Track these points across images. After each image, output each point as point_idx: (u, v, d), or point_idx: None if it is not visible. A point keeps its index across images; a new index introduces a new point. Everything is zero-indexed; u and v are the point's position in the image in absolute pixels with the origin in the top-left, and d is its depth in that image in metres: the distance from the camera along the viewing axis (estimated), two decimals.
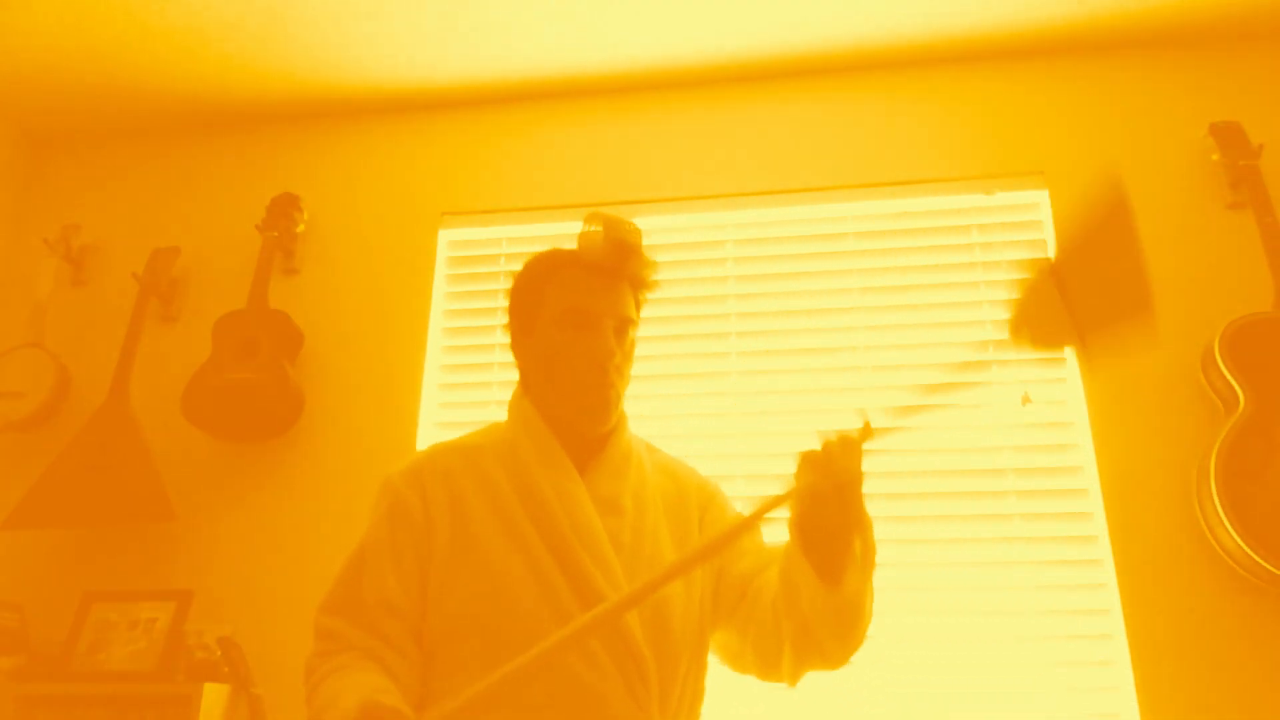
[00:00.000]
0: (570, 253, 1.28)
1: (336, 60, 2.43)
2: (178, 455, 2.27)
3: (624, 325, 1.25)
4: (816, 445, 1.05)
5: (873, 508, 1.13)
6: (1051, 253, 2.21)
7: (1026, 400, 2.09)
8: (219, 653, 1.95)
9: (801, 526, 1.07)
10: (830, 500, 1.04)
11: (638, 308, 1.29)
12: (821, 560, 1.07)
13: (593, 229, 1.24)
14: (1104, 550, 1.95)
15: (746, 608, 1.21)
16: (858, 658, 1.17)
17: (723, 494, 1.36)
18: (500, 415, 2.38)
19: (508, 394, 2.24)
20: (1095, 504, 1.99)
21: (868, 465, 1.06)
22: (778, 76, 2.46)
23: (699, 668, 1.23)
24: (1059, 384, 2.11)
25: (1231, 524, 1.79)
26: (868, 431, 1.07)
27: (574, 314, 1.23)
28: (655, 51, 2.40)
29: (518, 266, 1.34)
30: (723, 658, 1.27)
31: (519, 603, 1.12)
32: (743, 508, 1.31)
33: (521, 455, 1.23)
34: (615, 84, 2.49)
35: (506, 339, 1.34)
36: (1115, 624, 1.90)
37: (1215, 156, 2.14)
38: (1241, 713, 1.78)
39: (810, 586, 1.07)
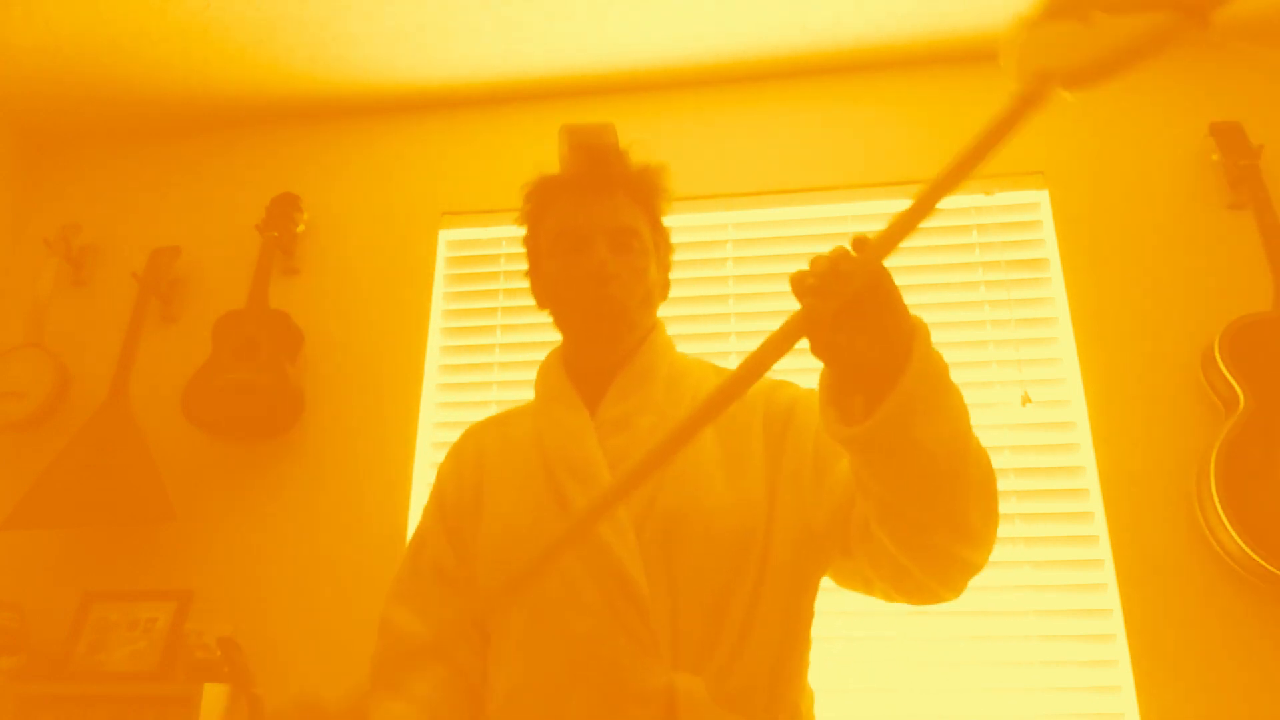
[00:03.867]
0: (553, 177, 1.21)
1: (337, 60, 2.43)
2: (178, 455, 2.27)
3: (622, 235, 1.14)
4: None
5: None
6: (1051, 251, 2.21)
7: (1026, 400, 2.09)
8: (219, 653, 1.95)
9: (826, 364, 0.88)
10: (843, 321, 0.85)
11: (648, 216, 1.19)
12: (864, 399, 0.86)
13: (560, 142, 1.18)
14: (1104, 550, 1.95)
15: (858, 517, 0.98)
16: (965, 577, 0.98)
17: (804, 398, 1.12)
18: None
19: (508, 394, 2.28)
20: (1095, 504, 1.99)
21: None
22: (778, 76, 2.46)
23: (777, 607, 1.01)
24: (1059, 384, 2.11)
25: (1231, 524, 1.79)
26: (863, 244, 0.86)
27: (563, 238, 1.15)
28: (655, 51, 2.40)
29: (518, 266, 1.30)
30: (857, 587, 1.08)
31: (519, 546, 1.05)
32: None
33: (538, 401, 1.19)
34: (615, 84, 2.49)
35: (527, 296, 1.26)
36: (1115, 624, 1.90)
37: (1215, 156, 2.14)
38: (1241, 713, 1.78)
39: (835, 429, 0.86)
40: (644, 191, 1.19)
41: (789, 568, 1.03)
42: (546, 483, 1.08)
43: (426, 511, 1.22)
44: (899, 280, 0.89)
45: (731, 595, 1.00)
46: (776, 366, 0.89)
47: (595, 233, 1.13)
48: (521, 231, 1.25)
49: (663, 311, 1.24)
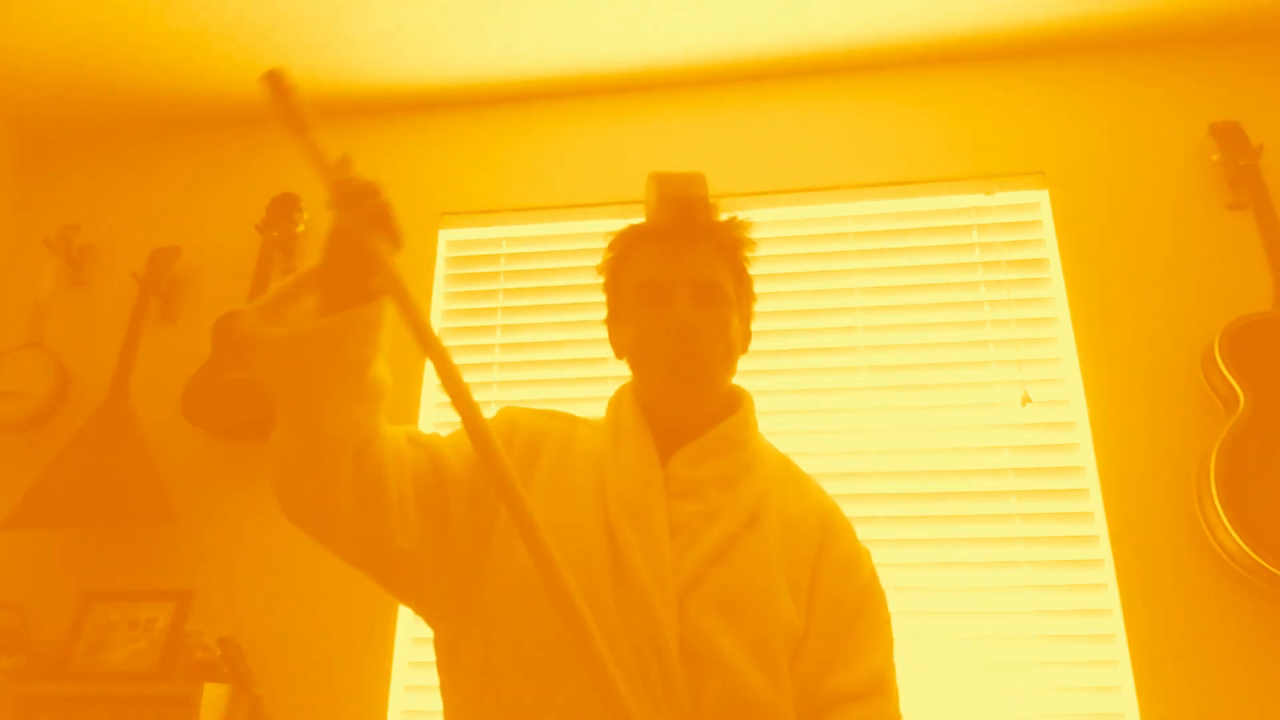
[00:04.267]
0: (638, 226, 1.18)
1: (337, 60, 2.43)
2: (178, 455, 2.27)
3: (706, 290, 1.11)
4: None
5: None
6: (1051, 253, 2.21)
7: (1026, 400, 2.09)
8: (219, 653, 1.95)
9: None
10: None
11: (732, 268, 1.16)
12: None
13: (649, 190, 1.14)
14: (1104, 550, 1.95)
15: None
16: None
17: (839, 519, 1.13)
18: None
19: (508, 394, 2.28)
20: (1095, 504, 1.99)
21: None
22: (778, 76, 2.46)
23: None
24: (1059, 384, 2.11)
25: (1231, 524, 1.79)
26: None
27: (646, 289, 1.12)
28: (656, 51, 2.40)
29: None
30: None
31: (551, 562, 0.98)
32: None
33: (609, 432, 1.13)
34: (615, 84, 2.49)
35: (606, 334, 1.22)
36: (1115, 624, 1.90)
37: (1215, 156, 2.14)
38: (1241, 713, 1.78)
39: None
40: (729, 243, 1.17)
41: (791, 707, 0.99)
42: (599, 511, 1.04)
43: (460, 434, 1.13)
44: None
45: (755, 698, 0.96)
46: None
47: (679, 285, 1.11)
48: (601, 279, 1.22)
49: None
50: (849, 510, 1.16)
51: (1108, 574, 1.93)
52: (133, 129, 2.70)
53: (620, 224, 1.21)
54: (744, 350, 1.20)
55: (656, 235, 1.15)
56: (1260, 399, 1.87)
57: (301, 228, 2.45)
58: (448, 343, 2.36)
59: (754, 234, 1.20)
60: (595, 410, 1.20)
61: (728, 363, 1.14)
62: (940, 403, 2.13)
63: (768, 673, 0.96)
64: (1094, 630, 1.92)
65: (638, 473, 1.07)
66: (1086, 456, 2.03)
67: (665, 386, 1.11)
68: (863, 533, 1.14)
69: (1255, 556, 1.77)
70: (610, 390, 1.20)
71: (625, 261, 1.17)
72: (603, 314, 1.22)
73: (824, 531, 1.09)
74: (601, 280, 1.22)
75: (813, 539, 1.07)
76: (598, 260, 1.22)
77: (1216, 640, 1.83)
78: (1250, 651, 1.81)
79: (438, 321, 2.39)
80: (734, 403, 1.16)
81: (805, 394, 2.17)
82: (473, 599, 1.03)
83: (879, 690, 1.01)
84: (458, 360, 2.44)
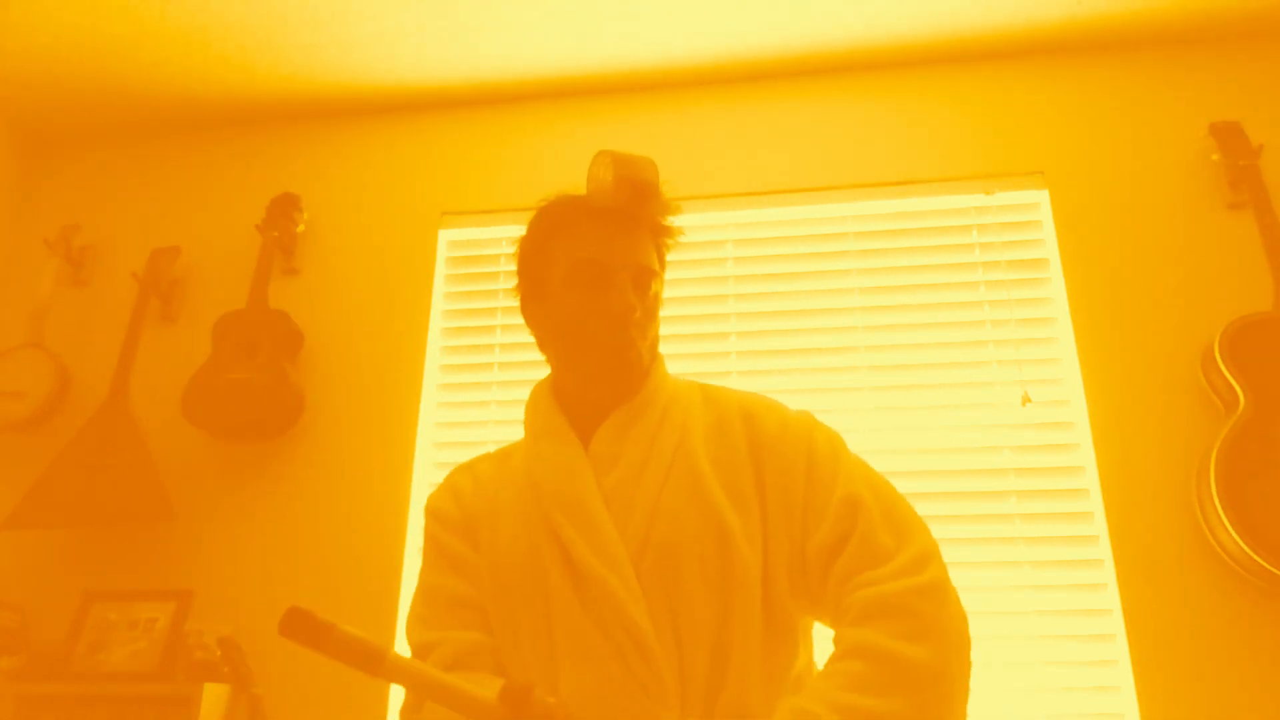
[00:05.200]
0: (577, 199, 1.15)
1: (337, 60, 2.43)
2: (178, 455, 2.27)
3: (644, 276, 1.11)
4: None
5: None
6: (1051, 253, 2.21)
7: (1026, 400, 2.09)
8: (219, 653, 1.95)
9: None
10: None
11: (660, 257, 1.16)
12: None
13: (601, 169, 1.10)
14: (1104, 550, 1.95)
15: (831, 596, 0.99)
16: None
17: (760, 403, 1.14)
18: (500, 414, 2.38)
19: (508, 394, 2.28)
20: (1095, 504, 1.99)
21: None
22: (778, 76, 2.46)
23: (782, 640, 1.02)
24: (1059, 384, 2.11)
25: (1231, 524, 1.79)
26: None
27: (586, 268, 1.10)
28: (655, 51, 2.40)
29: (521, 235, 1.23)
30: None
31: (517, 588, 1.04)
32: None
33: (530, 437, 1.15)
34: (615, 84, 2.49)
35: (516, 305, 1.20)
36: (1115, 624, 1.90)
37: (1215, 156, 2.14)
38: (1241, 713, 1.78)
39: None
40: (660, 230, 1.16)
41: (786, 597, 1.02)
42: (542, 522, 1.06)
43: (427, 560, 1.16)
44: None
45: (735, 633, 0.99)
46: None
47: (621, 269, 1.10)
48: (518, 244, 1.20)
49: (663, 312, 1.23)
50: None
51: (1108, 574, 1.93)
52: (132, 129, 2.70)
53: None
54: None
55: (598, 214, 1.12)
56: (1260, 399, 1.87)
57: (301, 228, 2.45)
58: (448, 343, 2.37)
59: (676, 213, 1.18)
60: None
61: (654, 349, 1.16)
62: (940, 403, 2.13)
63: (736, 604, 0.98)
64: (1094, 630, 1.92)
65: (562, 464, 1.08)
66: (1086, 456, 2.03)
67: (600, 369, 1.10)
68: None
69: (1255, 556, 1.77)
70: None
71: (558, 236, 1.14)
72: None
73: (747, 420, 1.11)
74: (519, 251, 1.19)
75: (739, 433, 1.09)
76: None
77: (1216, 640, 1.83)
78: (1250, 651, 1.81)
79: (438, 321, 2.39)
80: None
81: (805, 394, 2.17)
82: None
83: (855, 509, 1.01)
84: (457, 360, 2.45)
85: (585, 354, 1.11)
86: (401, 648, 2.06)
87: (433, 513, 1.18)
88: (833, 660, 0.95)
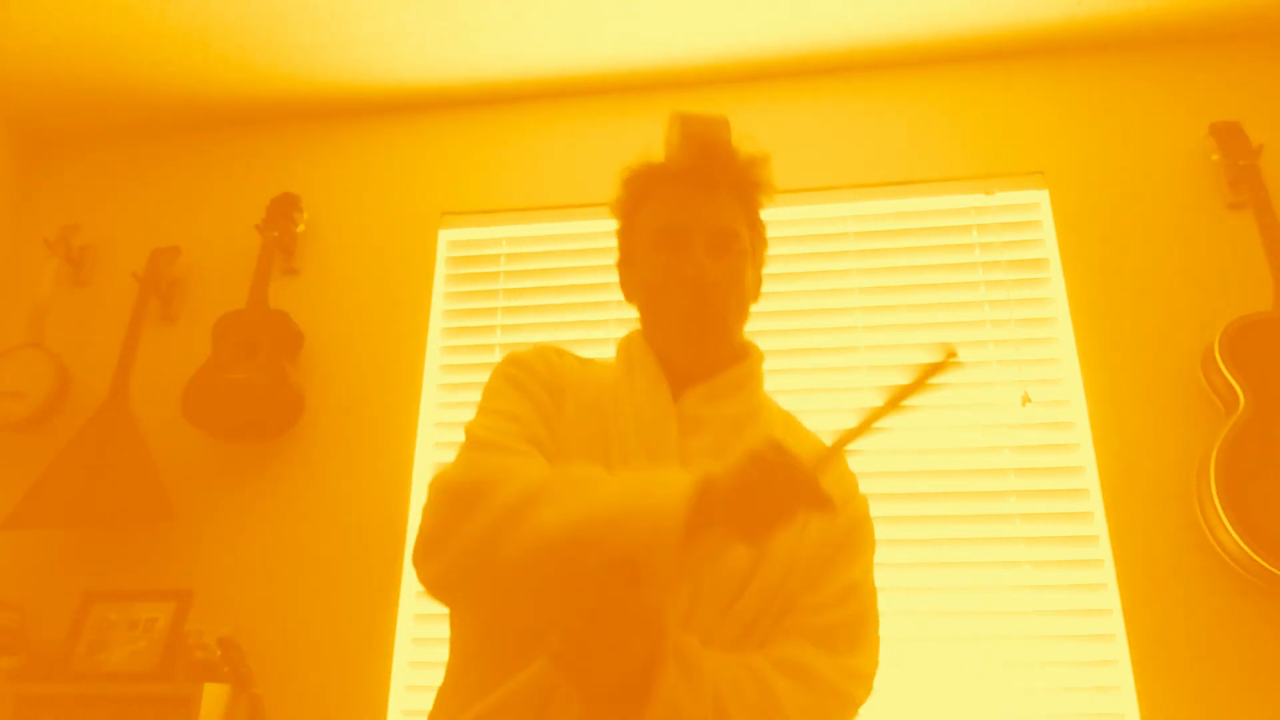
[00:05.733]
0: (656, 165, 1.15)
1: (337, 60, 2.43)
2: (178, 455, 2.27)
3: (722, 238, 1.10)
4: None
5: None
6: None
7: (1026, 400, 2.09)
8: (219, 653, 1.95)
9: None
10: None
11: (748, 215, 1.15)
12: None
13: (672, 131, 1.10)
14: (1104, 550, 1.95)
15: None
16: None
17: (849, 478, 1.13)
18: None
19: None
20: (1095, 504, 1.99)
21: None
22: (777, 76, 2.46)
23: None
24: (1059, 384, 2.11)
25: (1231, 524, 1.79)
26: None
27: (662, 234, 1.11)
28: (655, 51, 2.40)
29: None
30: None
31: None
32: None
33: (621, 372, 1.13)
34: (615, 84, 2.49)
35: (617, 277, 1.20)
36: (1115, 624, 1.90)
37: (1215, 156, 2.14)
38: (1241, 713, 1.78)
39: None
40: (747, 189, 1.15)
41: (775, 619, 1.03)
42: (615, 441, 1.04)
43: (499, 393, 1.10)
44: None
45: (729, 627, 1.00)
46: None
47: (696, 233, 1.10)
48: (614, 220, 1.20)
49: None
50: None
51: (1108, 574, 1.93)
52: (132, 129, 2.70)
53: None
54: (756, 299, 1.19)
55: (675, 177, 1.13)
56: (1260, 399, 1.87)
57: (301, 228, 2.45)
58: (448, 343, 2.37)
59: (768, 173, 1.18)
60: None
61: (741, 313, 1.14)
62: (940, 403, 2.13)
63: (750, 602, 0.99)
64: (1094, 630, 1.92)
65: (652, 409, 1.07)
66: (1086, 456, 2.03)
67: (678, 335, 1.10)
68: None
69: (1255, 556, 1.77)
70: None
71: (642, 203, 1.16)
72: (605, 296, 1.20)
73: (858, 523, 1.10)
74: (615, 221, 1.20)
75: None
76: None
77: (1216, 640, 1.83)
78: (1250, 651, 1.81)
79: (438, 321, 2.39)
80: (743, 352, 1.16)
81: (805, 394, 2.17)
82: None
83: (849, 596, 1.04)
84: (457, 360, 2.46)
85: (665, 319, 1.12)
86: (402, 649, 2.06)
87: (518, 361, 1.13)
88: (738, 662, 0.95)
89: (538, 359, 1.14)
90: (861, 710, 1.02)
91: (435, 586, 0.98)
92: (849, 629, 1.03)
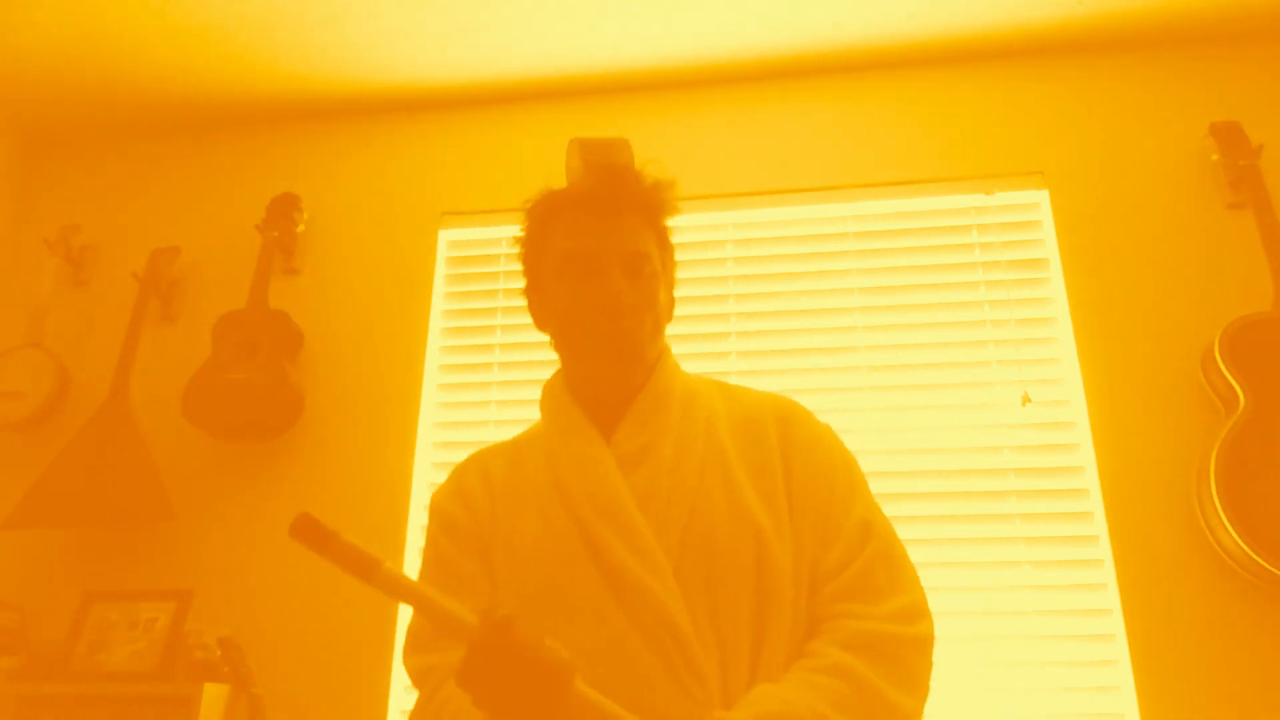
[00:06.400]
0: (561, 192, 1.15)
1: (337, 60, 2.43)
2: (178, 455, 2.27)
3: (635, 260, 1.09)
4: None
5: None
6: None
7: (1026, 400, 2.09)
8: (219, 653, 1.95)
9: None
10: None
11: (657, 237, 1.14)
12: None
13: (573, 157, 1.10)
14: (1104, 550, 1.95)
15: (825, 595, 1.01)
16: None
17: (793, 408, 1.14)
18: (500, 414, 2.38)
19: (508, 394, 2.28)
20: (1095, 504, 1.99)
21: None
22: (777, 76, 2.46)
23: (795, 644, 1.00)
24: (1059, 384, 2.11)
25: (1231, 524, 1.79)
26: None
27: (573, 259, 1.10)
28: (655, 51, 2.40)
29: (518, 266, 1.25)
30: None
31: (543, 595, 1.01)
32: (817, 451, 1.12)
33: (549, 434, 1.12)
34: (615, 84, 2.49)
35: (523, 305, 1.21)
36: (1115, 624, 1.90)
37: (1215, 156, 2.14)
38: (1241, 713, 1.78)
39: None
40: (655, 211, 1.15)
41: (806, 599, 1.02)
42: (568, 520, 1.03)
43: (426, 572, 1.11)
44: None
45: (769, 633, 0.99)
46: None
47: (609, 258, 1.09)
48: (517, 246, 1.20)
49: None
50: None
51: (1108, 574, 1.93)
52: (133, 129, 2.70)
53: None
54: (669, 318, 1.18)
55: (581, 203, 1.12)
56: (1260, 399, 1.87)
57: (301, 228, 2.45)
58: (448, 343, 2.37)
59: (673, 196, 1.18)
60: None
61: (656, 334, 1.13)
62: (940, 403, 2.13)
63: (771, 605, 0.98)
64: (1094, 630, 1.92)
65: (589, 463, 1.06)
66: (1086, 456, 2.03)
67: (597, 361, 1.10)
68: None
69: (1255, 556, 1.77)
70: None
71: (548, 229, 1.15)
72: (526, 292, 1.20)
73: (781, 422, 1.11)
74: (519, 252, 1.19)
75: (771, 433, 1.10)
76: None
77: (1216, 640, 1.83)
78: (1250, 651, 1.81)
79: (438, 321, 2.39)
80: (652, 364, 1.15)
81: (805, 394, 2.16)
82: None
83: (865, 535, 1.04)
84: (457, 360, 2.46)
85: (584, 345, 1.11)
86: (402, 650, 2.07)
87: (439, 517, 1.14)
88: (814, 670, 0.95)
89: (457, 505, 1.13)
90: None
91: None
92: (880, 569, 1.03)
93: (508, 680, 0.84)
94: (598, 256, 1.09)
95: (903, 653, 0.97)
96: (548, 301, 1.15)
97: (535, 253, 1.17)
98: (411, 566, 2.12)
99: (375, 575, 0.87)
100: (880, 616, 0.98)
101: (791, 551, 1.02)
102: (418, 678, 1.06)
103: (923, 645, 1.00)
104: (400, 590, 0.90)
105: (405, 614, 2.09)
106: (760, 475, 1.06)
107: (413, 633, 1.10)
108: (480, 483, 1.14)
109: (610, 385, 1.11)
